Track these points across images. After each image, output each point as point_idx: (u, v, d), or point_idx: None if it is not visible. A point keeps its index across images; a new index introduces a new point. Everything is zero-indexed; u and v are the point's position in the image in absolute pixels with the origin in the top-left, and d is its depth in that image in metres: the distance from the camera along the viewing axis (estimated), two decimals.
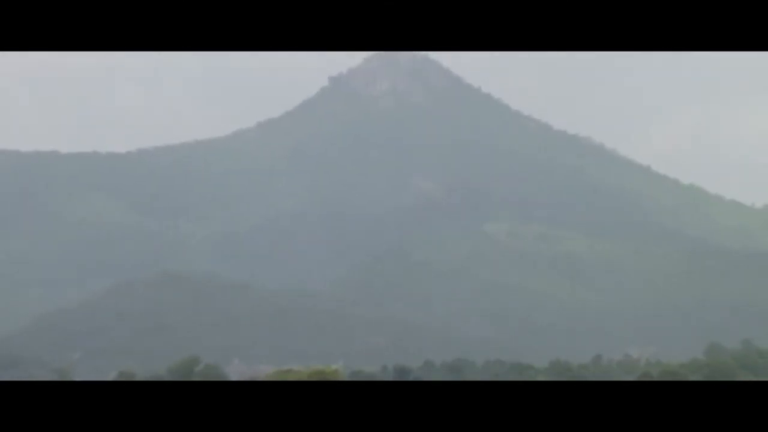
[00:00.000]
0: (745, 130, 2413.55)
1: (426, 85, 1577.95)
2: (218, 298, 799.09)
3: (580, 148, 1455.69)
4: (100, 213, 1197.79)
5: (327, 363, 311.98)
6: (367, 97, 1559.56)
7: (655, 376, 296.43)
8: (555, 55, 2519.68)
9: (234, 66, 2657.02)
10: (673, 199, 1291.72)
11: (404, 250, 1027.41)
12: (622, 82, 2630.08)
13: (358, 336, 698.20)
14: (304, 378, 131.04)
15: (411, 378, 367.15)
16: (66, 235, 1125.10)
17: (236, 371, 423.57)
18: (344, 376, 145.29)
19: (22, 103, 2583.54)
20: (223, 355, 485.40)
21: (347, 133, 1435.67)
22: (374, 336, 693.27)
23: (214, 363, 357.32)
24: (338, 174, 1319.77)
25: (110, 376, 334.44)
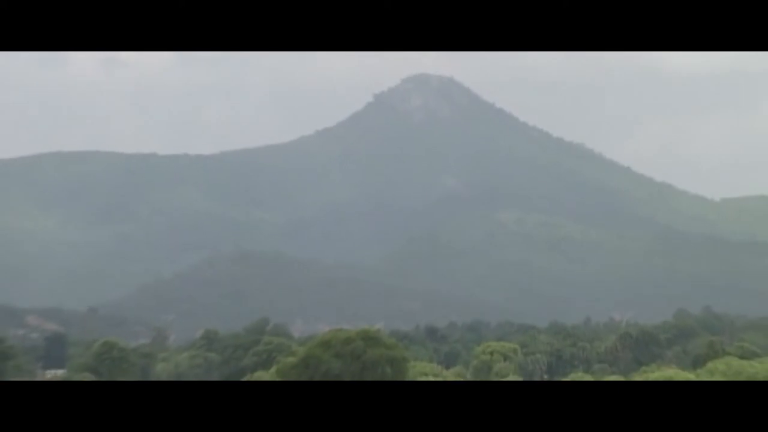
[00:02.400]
0: (707, 138, 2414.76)
1: (451, 102, 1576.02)
2: (285, 271, 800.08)
3: (573, 152, 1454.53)
4: (190, 203, 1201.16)
5: (371, 323, 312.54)
6: (403, 111, 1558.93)
7: (634, 335, 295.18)
8: (555, 77, 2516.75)
9: (297, 83, 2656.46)
10: (648, 194, 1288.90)
11: (433, 234, 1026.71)
12: (608, 97, 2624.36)
13: (396, 302, 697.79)
14: (352, 336, 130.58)
15: (438, 335, 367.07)
16: (163, 220, 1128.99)
17: (299, 330, 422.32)
18: (385, 334, 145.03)
19: (128, 113, 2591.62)
20: (288, 316, 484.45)
21: (388, 140, 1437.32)
22: (409, 302, 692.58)
23: (281, 323, 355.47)
24: (381, 173, 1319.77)
25: (197, 334, 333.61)
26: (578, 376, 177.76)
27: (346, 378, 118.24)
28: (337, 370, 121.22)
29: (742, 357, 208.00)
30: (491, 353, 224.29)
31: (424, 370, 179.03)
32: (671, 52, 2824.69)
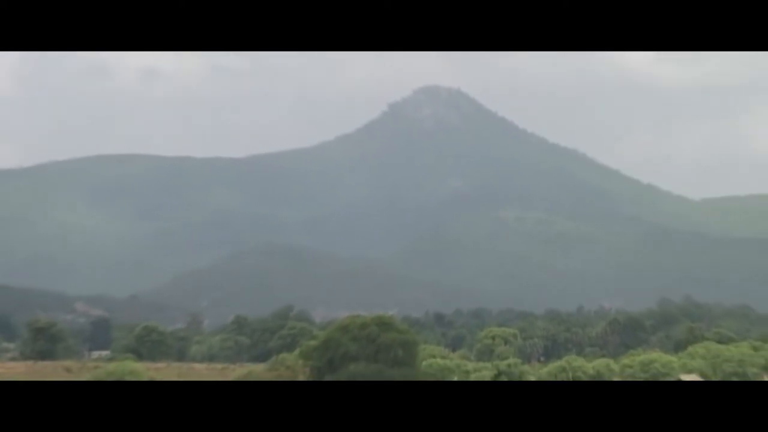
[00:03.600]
0: (688, 144, 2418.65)
1: (458, 111, 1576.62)
2: (307, 263, 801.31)
3: (568, 156, 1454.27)
4: (222, 201, 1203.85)
5: (385, 310, 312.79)
6: (415, 119, 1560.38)
7: (622, 321, 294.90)
8: (553, 88, 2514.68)
9: (319, 94, 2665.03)
10: (635, 194, 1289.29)
11: (441, 230, 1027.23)
12: (600, 107, 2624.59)
13: (407, 291, 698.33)
14: (368, 321, 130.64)
15: (445, 321, 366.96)
16: (198, 217, 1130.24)
17: (320, 316, 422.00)
18: (398, 320, 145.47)
19: (166, 120, 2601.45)
20: (310, 304, 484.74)
21: (400, 145, 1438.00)
22: (419, 291, 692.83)
23: (303, 310, 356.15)
24: (394, 175, 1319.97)
25: (228, 319, 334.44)
26: (571, 358, 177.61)
27: (362, 359, 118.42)
28: (354, 352, 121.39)
29: (719, 341, 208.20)
30: (493, 337, 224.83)
31: (432, 352, 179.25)
32: (659, 65, 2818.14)
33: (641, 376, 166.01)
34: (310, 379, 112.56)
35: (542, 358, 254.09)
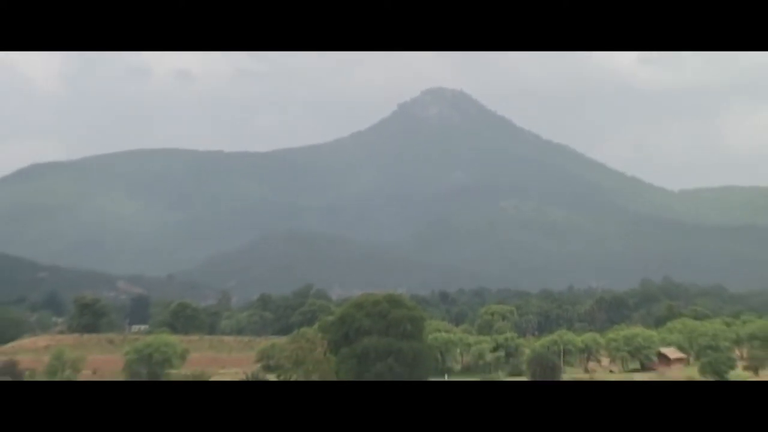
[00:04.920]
0: (669, 141, 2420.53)
1: (461, 110, 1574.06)
2: (325, 247, 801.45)
3: (560, 152, 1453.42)
4: (248, 191, 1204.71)
5: (395, 289, 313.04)
6: (422, 118, 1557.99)
7: (608, 299, 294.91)
8: (547, 89, 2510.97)
9: (335, 95, 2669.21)
10: (620, 186, 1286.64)
11: (446, 218, 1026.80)
12: (589, 107, 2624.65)
13: (415, 272, 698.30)
14: (379, 299, 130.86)
15: (449, 299, 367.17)
16: (227, 205, 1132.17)
17: (336, 294, 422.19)
18: (407, 298, 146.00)
19: (198, 118, 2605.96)
20: (328, 284, 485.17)
21: (409, 141, 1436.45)
22: (426, 272, 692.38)
23: (322, 289, 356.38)
24: (403, 168, 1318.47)
25: (254, 297, 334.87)
26: (562, 332, 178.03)
27: (375, 333, 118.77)
28: (367, 326, 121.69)
29: (695, 318, 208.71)
30: (492, 314, 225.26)
31: (437, 327, 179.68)
32: (643, 68, 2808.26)
33: (625, 349, 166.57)
34: (328, 351, 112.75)
35: (536, 333, 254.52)
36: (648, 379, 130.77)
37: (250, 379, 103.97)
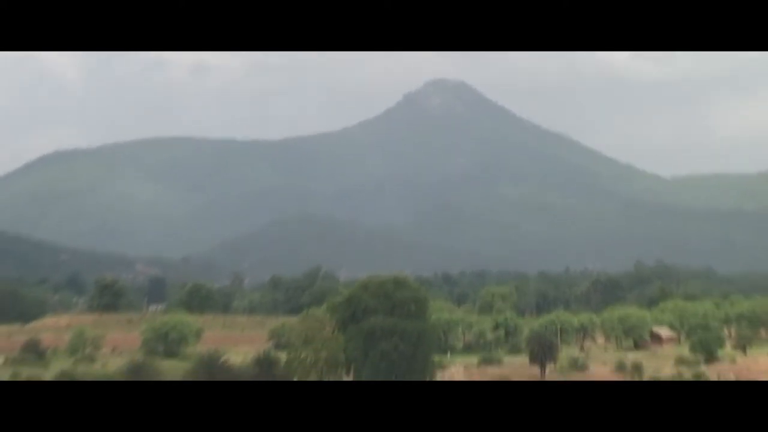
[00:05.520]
0: (661, 129, 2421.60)
1: (463, 100, 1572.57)
2: (334, 230, 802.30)
3: (557, 140, 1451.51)
4: (261, 177, 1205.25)
5: (401, 270, 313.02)
6: (427, 107, 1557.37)
7: (603, 281, 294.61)
8: (545, 81, 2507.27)
9: (343, 85, 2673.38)
10: (615, 173, 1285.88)
11: (450, 203, 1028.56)
12: (585, 98, 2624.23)
13: (420, 255, 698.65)
14: (385, 280, 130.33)
15: (452, 280, 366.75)
16: (240, 191, 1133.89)
17: (344, 275, 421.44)
18: (411, 279, 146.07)
19: (213, 107, 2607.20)
20: (336, 266, 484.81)
21: (413, 130, 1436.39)
22: (430, 255, 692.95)
23: (330, 271, 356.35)
24: (408, 155, 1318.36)
25: (266, 279, 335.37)
26: (559, 313, 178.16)
27: (380, 313, 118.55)
28: (373, 306, 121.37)
29: (686, 299, 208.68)
30: (493, 295, 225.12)
31: (440, 307, 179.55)
32: (637, 62, 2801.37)
33: (619, 328, 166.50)
34: (336, 330, 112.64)
35: (535, 312, 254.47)
36: (641, 357, 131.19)
37: (262, 357, 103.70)
